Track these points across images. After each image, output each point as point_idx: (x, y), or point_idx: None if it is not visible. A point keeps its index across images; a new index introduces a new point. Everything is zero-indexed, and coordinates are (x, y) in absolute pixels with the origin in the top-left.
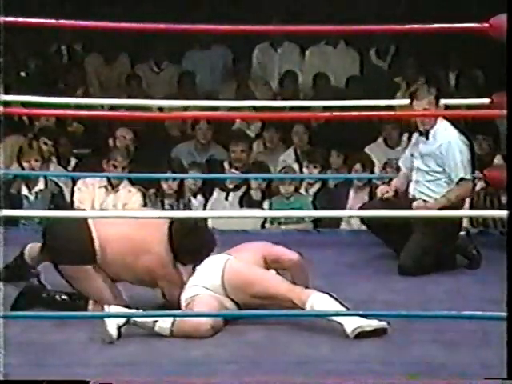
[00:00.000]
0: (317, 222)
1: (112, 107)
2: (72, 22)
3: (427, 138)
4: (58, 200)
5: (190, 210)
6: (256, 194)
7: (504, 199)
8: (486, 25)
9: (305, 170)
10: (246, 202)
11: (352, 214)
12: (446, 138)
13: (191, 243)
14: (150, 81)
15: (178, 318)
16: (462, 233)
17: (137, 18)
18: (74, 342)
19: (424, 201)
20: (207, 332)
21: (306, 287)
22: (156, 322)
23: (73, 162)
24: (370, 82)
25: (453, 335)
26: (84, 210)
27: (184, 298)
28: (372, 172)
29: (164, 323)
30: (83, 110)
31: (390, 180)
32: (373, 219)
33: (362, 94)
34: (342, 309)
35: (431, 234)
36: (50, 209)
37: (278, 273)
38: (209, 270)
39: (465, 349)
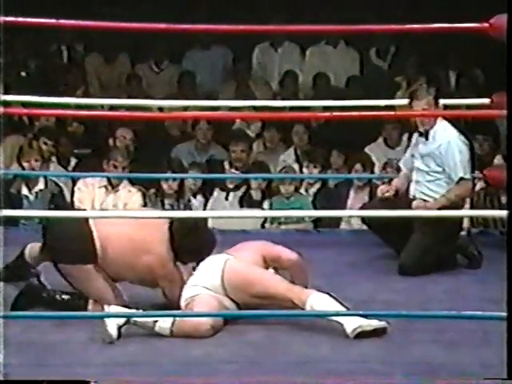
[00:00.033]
0: (317, 221)
1: (112, 107)
2: (72, 21)
3: (427, 139)
4: (58, 200)
5: (190, 209)
6: (256, 194)
7: (504, 199)
8: (486, 25)
9: (305, 169)
10: (246, 201)
11: (352, 213)
12: (446, 138)
13: (191, 243)
14: (150, 81)
15: (178, 318)
16: (463, 233)
17: (137, 18)
18: (74, 342)
19: (424, 201)
20: (207, 332)
21: (306, 287)
22: (156, 321)
23: (73, 162)
24: (370, 82)
25: (453, 335)
26: (84, 209)
27: (184, 297)
28: (372, 172)
29: (164, 323)
30: (83, 110)
31: (391, 180)
32: (373, 219)
33: (362, 93)
34: (341, 309)
35: (431, 234)
36: (50, 209)
37: (277, 272)
38: (209, 270)
39: (465, 349)
